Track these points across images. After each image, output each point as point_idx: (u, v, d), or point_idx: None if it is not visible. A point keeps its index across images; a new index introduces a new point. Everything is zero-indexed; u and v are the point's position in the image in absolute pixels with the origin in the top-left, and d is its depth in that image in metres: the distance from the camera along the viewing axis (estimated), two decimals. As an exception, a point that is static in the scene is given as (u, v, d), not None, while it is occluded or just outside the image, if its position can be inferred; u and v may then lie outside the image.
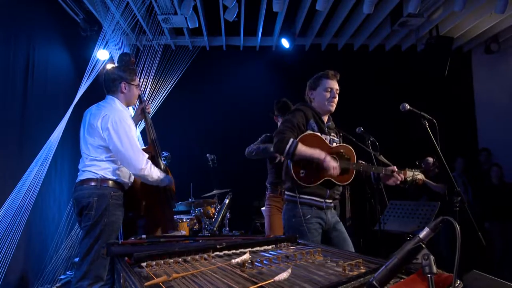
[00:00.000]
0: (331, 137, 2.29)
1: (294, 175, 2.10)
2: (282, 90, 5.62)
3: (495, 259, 4.50)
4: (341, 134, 2.43)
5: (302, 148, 2.05)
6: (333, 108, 2.28)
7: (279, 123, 3.33)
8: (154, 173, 2.32)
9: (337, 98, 2.27)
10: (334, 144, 2.26)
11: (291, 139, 2.04)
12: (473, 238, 2.30)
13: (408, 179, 2.29)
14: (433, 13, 4.97)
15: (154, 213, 2.54)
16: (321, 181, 2.13)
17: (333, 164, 2.07)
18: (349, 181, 2.23)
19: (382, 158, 2.46)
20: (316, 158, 2.07)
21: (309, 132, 2.17)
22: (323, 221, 2.19)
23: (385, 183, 2.31)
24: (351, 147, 2.30)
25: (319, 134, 2.19)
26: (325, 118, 2.32)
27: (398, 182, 2.25)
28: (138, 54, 5.18)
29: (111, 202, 2.20)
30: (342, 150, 2.23)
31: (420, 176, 2.33)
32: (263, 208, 3.36)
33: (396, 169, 2.25)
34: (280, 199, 3.20)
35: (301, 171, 2.11)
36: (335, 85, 2.27)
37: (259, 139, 3.33)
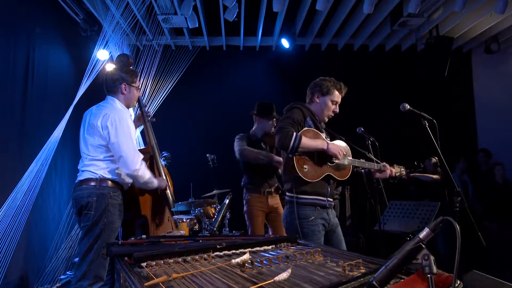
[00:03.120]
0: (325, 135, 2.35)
1: (298, 171, 2.11)
2: (282, 90, 5.64)
3: (495, 258, 4.50)
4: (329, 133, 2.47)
5: (306, 141, 2.09)
6: (327, 120, 2.38)
7: (255, 124, 3.32)
8: (146, 175, 2.31)
9: (337, 112, 2.37)
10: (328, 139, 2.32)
11: (295, 133, 2.07)
12: (473, 238, 2.30)
13: (397, 174, 2.46)
14: (433, 13, 4.97)
15: (154, 213, 2.54)
16: (323, 175, 2.17)
17: (337, 147, 2.15)
18: (348, 177, 2.28)
19: (371, 156, 2.55)
20: (320, 149, 2.13)
21: (307, 128, 2.22)
22: (326, 221, 2.21)
23: (379, 178, 2.47)
24: (346, 144, 2.35)
25: (316, 130, 2.25)
26: None
27: (387, 176, 2.41)
28: (138, 54, 5.19)
29: (110, 202, 2.20)
30: None
31: (404, 172, 2.53)
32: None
33: (388, 166, 2.40)
34: (264, 199, 3.17)
35: (304, 166, 2.13)
36: (340, 99, 2.36)
37: (239, 139, 3.20)
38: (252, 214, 3.18)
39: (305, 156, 2.14)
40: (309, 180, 2.13)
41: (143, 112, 2.70)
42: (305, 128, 2.20)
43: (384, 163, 2.39)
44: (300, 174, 2.11)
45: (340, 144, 2.27)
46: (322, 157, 2.17)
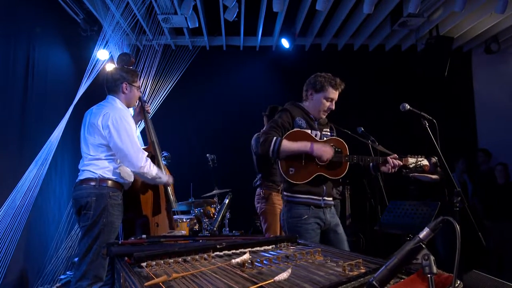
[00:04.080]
0: (324, 132, 2.29)
1: (284, 174, 2.11)
2: (282, 90, 5.64)
3: (495, 258, 4.49)
4: (334, 128, 2.43)
5: (286, 144, 2.06)
6: (324, 117, 2.30)
7: (265, 124, 3.35)
8: (153, 171, 2.33)
9: (333, 108, 2.27)
10: (325, 139, 2.25)
11: (275, 137, 2.06)
12: (473, 238, 2.31)
13: (411, 166, 2.22)
14: (433, 13, 4.97)
15: (155, 213, 2.55)
16: (313, 176, 2.13)
17: (324, 149, 2.06)
18: (343, 175, 2.20)
19: (381, 147, 2.45)
20: (303, 151, 2.07)
21: (295, 129, 2.17)
22: (322, 221, 2.18)
23: (384, 171, 2.23)
24: (342, 140, 2.26)
25: (307, 130, 2.19)
26: None
27: (395, 169, 2.19)
28: (138, 54, 5.19)
29: (109, 202, 2.20)
30: (332, 144, 2.20)
31: (425, 161, 2.24)
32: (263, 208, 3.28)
33: (397, 156, 2.20)
34: (281, 197, 3.19)
35: (290, 168, 2.11)
36: (336, 95, 2.26)
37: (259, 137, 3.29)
38: (273, 212, 3.18)
39: (291, 158, 2.11)
40: (297, 182, 2.11)
41: (142, 106, 2.70)
42: (294, 129, 2.16)
43: (395, 155, 2.21)
44: (286, 177, 2.10)
45: (329, 143, 2.17)
46: (311, 157, 2.11)
